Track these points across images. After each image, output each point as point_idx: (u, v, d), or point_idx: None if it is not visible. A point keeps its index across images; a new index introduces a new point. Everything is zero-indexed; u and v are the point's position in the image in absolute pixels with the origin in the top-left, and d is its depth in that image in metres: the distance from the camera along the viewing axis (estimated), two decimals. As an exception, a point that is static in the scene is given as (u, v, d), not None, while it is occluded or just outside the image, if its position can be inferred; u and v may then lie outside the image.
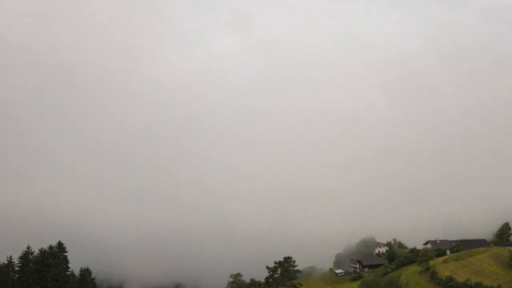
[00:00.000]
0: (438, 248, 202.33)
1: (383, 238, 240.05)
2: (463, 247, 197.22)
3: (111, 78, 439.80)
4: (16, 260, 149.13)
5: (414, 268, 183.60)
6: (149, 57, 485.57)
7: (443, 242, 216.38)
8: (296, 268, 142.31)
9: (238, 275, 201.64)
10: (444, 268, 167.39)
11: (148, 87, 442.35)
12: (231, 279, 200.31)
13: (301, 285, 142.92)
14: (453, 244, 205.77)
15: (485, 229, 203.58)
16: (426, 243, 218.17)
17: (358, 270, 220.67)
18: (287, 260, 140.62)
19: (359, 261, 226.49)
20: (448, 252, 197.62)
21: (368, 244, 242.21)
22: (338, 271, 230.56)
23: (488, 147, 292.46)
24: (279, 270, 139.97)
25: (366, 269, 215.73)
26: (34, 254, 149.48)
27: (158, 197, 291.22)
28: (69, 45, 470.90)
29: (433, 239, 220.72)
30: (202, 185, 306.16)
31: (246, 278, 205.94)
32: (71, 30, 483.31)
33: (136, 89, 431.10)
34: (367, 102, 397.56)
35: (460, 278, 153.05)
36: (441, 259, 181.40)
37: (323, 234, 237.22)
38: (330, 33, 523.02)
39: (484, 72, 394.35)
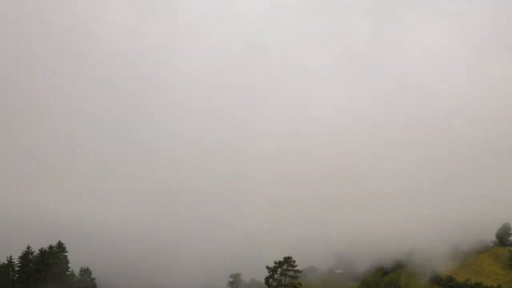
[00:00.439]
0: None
1: (383, 238, 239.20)
2: (462, 247, 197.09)
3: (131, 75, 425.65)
4: (16, 260, 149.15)
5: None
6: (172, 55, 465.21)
7: (443, 242, 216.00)
8: (296, 268, 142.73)
9: (238, 275, 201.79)
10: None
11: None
12: (231, 279, 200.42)
13: (301, 285, 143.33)
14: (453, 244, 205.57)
15: (485, 229, 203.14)
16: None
17: (358, 270, 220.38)
18: (287, 260, 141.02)
19: (359, 261, 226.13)
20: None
21: (368, 244, 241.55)
22: (338, 271, 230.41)
23: (488, 147, 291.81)
24: (279, 270, 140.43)
25: (366, 269, 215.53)
26: (34, 254, 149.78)
27: (158, 197, 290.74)
28: (80, 43, 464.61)
29: (434, 239, 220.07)
30: (202, 185, 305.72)
31: (246, 278, 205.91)
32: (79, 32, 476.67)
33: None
34: (367, 102, 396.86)
35: (460, 278, 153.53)
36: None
37: (323, 234, 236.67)
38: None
39: (481, 71, 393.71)
